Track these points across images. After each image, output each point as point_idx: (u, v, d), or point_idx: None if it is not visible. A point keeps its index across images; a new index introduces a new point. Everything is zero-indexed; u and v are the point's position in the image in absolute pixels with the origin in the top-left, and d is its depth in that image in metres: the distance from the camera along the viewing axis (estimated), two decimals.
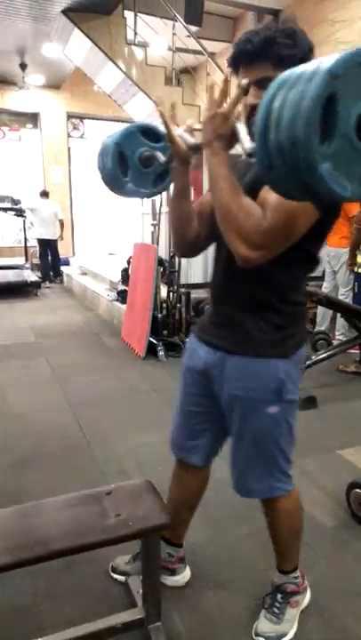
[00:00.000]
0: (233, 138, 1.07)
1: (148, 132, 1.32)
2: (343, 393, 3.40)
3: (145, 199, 1.38)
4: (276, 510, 1.41)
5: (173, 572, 1.64)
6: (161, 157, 1.29)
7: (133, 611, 1.45)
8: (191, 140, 1.18)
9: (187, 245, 1.37)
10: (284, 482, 1.36)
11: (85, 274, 8.02)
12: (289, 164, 0.77)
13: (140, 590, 1.45)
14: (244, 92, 1.08)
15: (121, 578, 1.66)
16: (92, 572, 1.69)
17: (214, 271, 1.36)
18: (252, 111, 1.10)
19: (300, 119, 0.73)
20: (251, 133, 1.07)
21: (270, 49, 1.08)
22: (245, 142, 1.02)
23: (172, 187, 1.31)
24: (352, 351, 3.85)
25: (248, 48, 1.10)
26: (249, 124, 1.12)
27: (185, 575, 1.66)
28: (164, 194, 1.49)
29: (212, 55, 7.19)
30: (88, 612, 1.52)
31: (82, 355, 4.37)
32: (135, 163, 1.30)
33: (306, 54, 1.10)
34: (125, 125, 1.33)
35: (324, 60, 0.74)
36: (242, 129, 1.05)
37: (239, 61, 1.14)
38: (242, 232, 1.07)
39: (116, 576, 1.68)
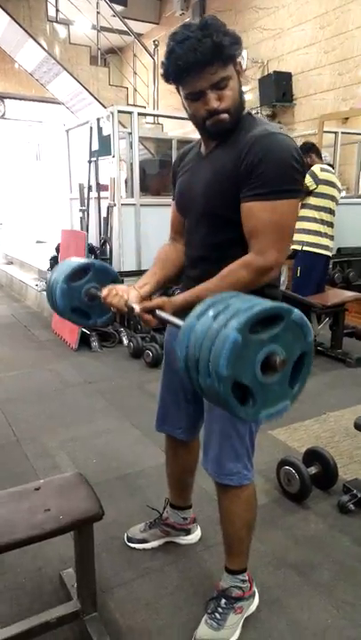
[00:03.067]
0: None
1: (84, 270, 1.38)
2: None
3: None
4: (236, 497, 1.36)
5: (188, 532, 1.77)
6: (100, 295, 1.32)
7: (68, 604, 1.42)
8: (135, 306, 1.21)
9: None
10: (250, 470, 1.35)
11: (11, 263, 7.69)
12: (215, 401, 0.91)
13: (75, 584, 1.42)
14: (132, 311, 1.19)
15: (140, 546, 1.74)
16: (24, 570, 1.64)
17: (190, 257, 1.37)
18: (209, 115, 1.17)
19: (216, 390, 0.84)
20: (210, 137, 1.23)
21: (220, 52, 1.10)
22: (177, 322, 1.04)
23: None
24: None
25: (198, 57, 1.09)
26: (205, 128, 1.21)
27: (198, 533, 1.79)
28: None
29: (138, 36, 7.06)
30: (21, 610, 1.48)
31: (9, 348, 4.18)
32: (84, 304, 1.38)
33: (240, 47, 1.16)
34: (66, 264, 1.37)
35: (225, 332, 0.82)
36: (166, 316, 1.13)
37: (188, 72, 1.12)
38: (259, 277, 1.17)
39: (133, 545, 1.75)
